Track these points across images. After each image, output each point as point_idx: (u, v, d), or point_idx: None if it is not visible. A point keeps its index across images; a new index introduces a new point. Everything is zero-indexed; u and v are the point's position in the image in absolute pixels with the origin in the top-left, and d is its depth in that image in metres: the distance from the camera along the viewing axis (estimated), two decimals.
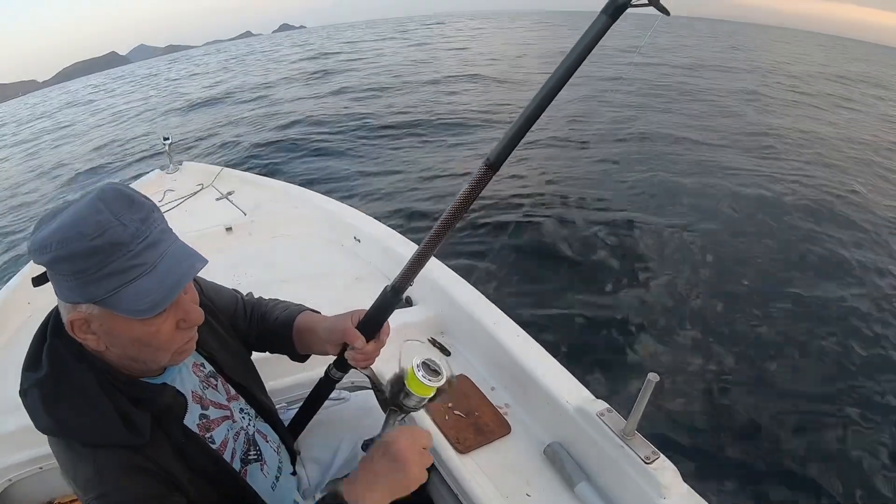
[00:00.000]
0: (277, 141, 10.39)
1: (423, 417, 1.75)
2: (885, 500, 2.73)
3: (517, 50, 27.75)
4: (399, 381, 1.13)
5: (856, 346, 3.89)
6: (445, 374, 1.11)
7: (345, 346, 1.27)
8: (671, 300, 4.39)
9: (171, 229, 0.94)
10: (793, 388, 3.46)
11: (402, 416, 1.17)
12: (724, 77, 18.16)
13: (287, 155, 9.44)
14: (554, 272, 4.84)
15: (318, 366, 1.49)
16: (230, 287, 1.48)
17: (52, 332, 0.95)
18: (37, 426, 0.93)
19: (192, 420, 1.09)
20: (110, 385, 0.95)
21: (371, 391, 1.83)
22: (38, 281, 0.94)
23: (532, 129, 1.01)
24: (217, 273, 1.95)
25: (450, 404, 1.79)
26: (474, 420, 1.74)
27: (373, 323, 1.25)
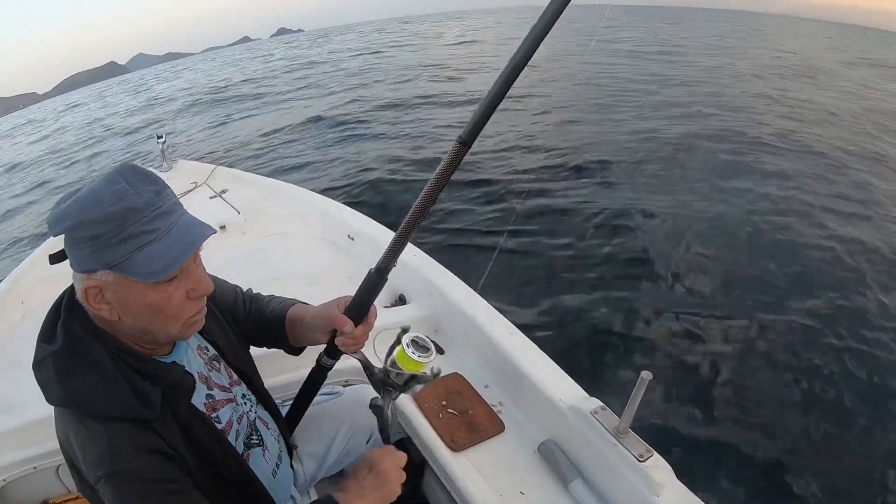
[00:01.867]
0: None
1: (416, 416, 1.75)
2: (879, 496, 2.74)
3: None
4: (390, 361, 1.21)
5: (855, 344, 3.91)
6: (434, 350, 1.19)
7: (334, 334, 1.30)
8: (665, 297, 4.41)
9: (181, 203, 0.98)
10: (788, 386, 3.48)
11: (396, 394, 1.25)
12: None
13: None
14: (548, 270, 4.84)
15: (312, 363, 1.49)
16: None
17: (66, 308, 0.98)
18: (48, 399, 0.95)
19: (199, 400, 1.12)
20: (122, 360, 0.98)
21: (365, 386, 1.84)
22: (56, 258, 0.97)
23: (501, 107, 1.05)
24: (210, 271, 1.94)
25: (444, 402, 1.79)
26: (468, 418, 1.74)
27: (359, 307, 1.28)
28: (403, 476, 1.18)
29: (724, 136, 9.30)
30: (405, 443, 1.89)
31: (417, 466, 1.95)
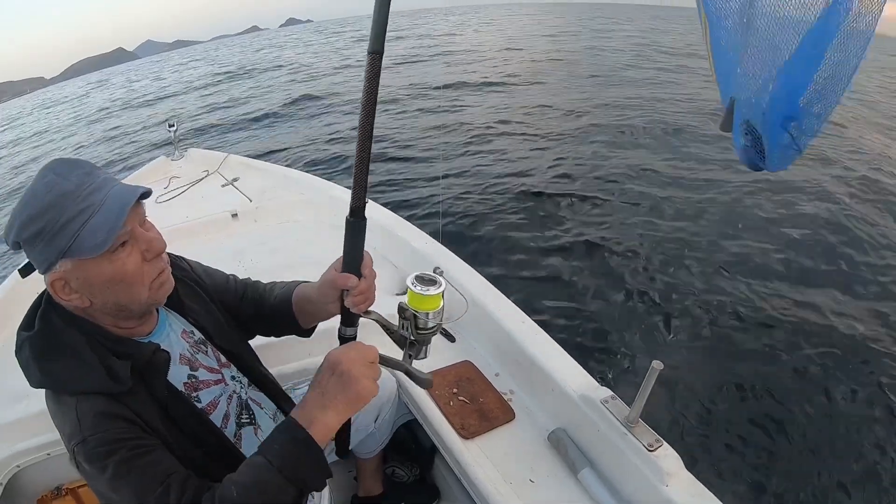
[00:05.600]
0: None
1: (427, 402, 1.76)
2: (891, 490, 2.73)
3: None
4: (404, 310, 1.13)
5: (870, 335, 3.88)
6: (444, 282, 1.13)
7: (342, 300, 1.20)
8: (678, 288, 4.38)
9: (113, 177, 1.02)
10: (801, 377, 3.46)
11: (423, 347, 1.18)
12: None
13: None
14: (560, 259, 4.83)
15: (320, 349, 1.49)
16: (234, 272, 1.53)
17: (46, 300, 1.04)
18: (30, 382, 1.00)
19: (178, 379, 1.16)
20: (97, 342, 1.03)
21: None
22: (25, 271, 1.04)
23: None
24: (223, 259, 1.96)
25: (454, 390, 1.80)
26: (479, 406, 1.75)
27: (352, 259, 1.17)
28: (375, 371, 1.05)
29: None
30: (414, 427, 1.91)
31: (427, 452, 1.96)
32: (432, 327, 1.15)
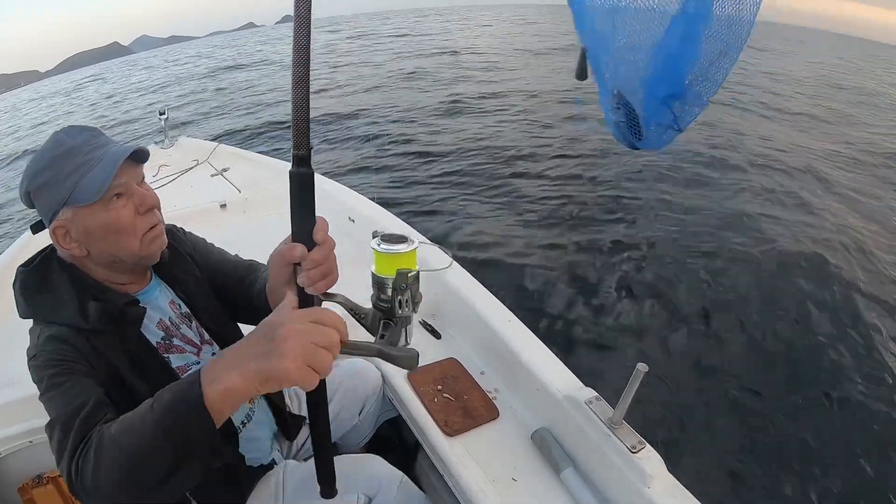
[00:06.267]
0: None
1: (411, 399, 1.76)
2: (873, 492, 2.76)
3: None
4: (373, 281, 0.95)
5: (851, 337, 3.92)
6: (416, 239, 0.96)
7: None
8: (664, 291, 4.40)
9: (117, 142, 1.12)
10: (783, 381, 3.48)
11: (403, 326, 0.98)
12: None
13: None
14: (546, 259, 4.84)
15: None
16: None
17: (50, 248, 1.15)
18: (20, 313, 1.12)
19: (152, 337, 1.21)
20: (82, 285, 1.13)
21: (352, 360, 1.84)
22: (37, 227, 1.14)
23: None
24: None
25: (439, 387, 1.80)
26: (463, 403, 1.75)
27: (301, 223, 0.92)
28: (321, 359, 0.79)
29: None
30: (398, 423, 1.91)
31: (411, 448, 1.96)
32: (406, 300, 0.94)
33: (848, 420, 3.18)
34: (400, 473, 1.51)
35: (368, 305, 1.00)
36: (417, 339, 2.06)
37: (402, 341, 0.97)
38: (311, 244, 0.92)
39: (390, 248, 0.92)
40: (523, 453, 1.61)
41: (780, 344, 3.82)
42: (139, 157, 1.13)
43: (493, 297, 2.04)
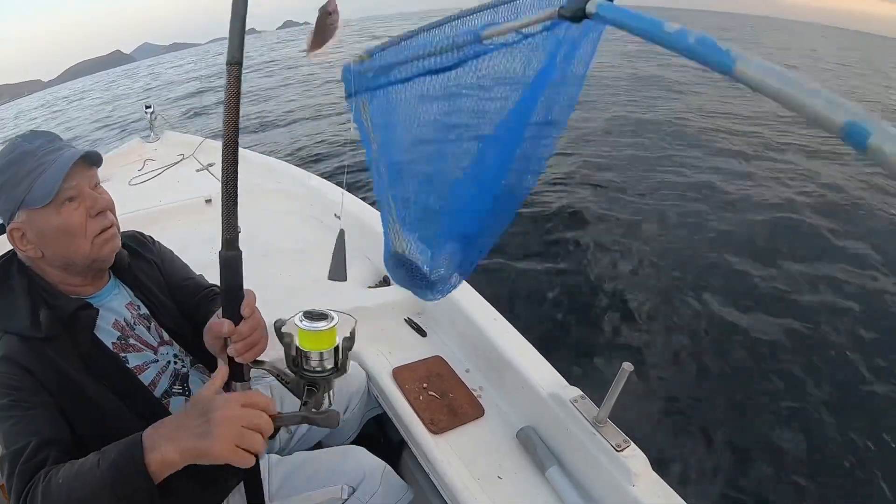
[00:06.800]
0: None
1: (397, 396, 1.76)
2: (856, 490, 2.79)
3: None
4: (294, 351, 1.02)
5: (836, 334, 3.97)
6: (336, 315, 1.01)
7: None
8: (650, 290, 4.42)
9: (72, 145, 1.14)
10: (771, 381, 3.51)
11: (325, 392, 1.06)
12: None
13: None
14: (531, 258, 4.84)
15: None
16: (206, 259, 1.49)
17: (12, 252, 1.18)
18: None
19: (107, 338, 1.20)
20: (37, 292, 1.14)
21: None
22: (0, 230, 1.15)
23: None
24: (195, 245, 1.93)
25: (424, 385, 1.80)
26: (448, 401, 1.75)
27: (229, 300, 1.03)
28: (250, 440, 0.90)
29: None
30: (383, 420, 1.90)
31: (396, 446, 1.96)
32: (329, 369, 1.04)
33: (834, 420, 3.21)
34: (383, 463, 1.51)
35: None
36: (403, 336, 2.06)
37: (325, 403, 1.06)
38: (238, 318, 1.04)
39: (312, 325, 1.00)
40: (508, 451, 1.62)
41: (766, 343, 3.85)
42: (91, 159, 1.14)
43: (479, 295, 2.04)
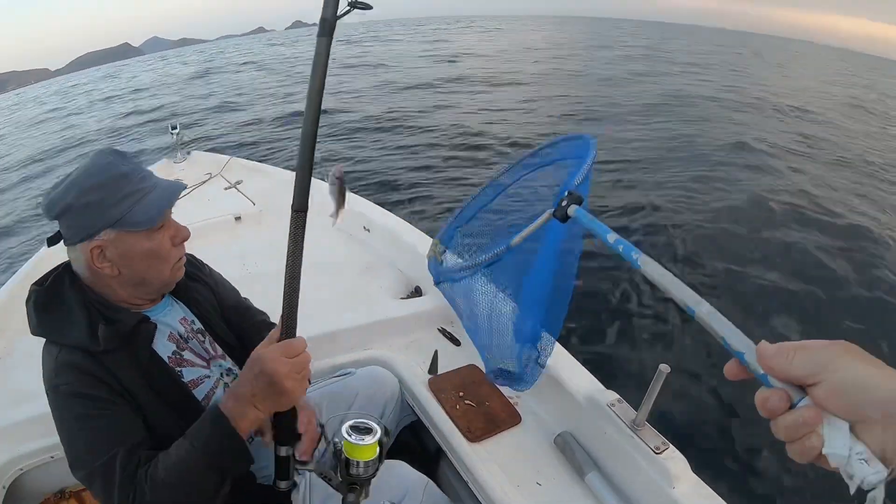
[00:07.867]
0: None
1: (433, 405, 1.77)
2: None
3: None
4: (341, 457, 1.12)
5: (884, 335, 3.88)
6: (378, 427, 1.12)
7: (286, 424, 1.19)
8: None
9: (154, 174, 1.21)
10: None
11: (363, 489, 1.16)
12: None
13: None
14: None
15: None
16: (238, 276, 1.63)
17: (64, 267, 1.20)
18: (31, 329, 1.15)
19: (163, 352, 1.25)
20: (93, 307, 1.17)
21: (375, 368, 1.84)
22: (52, 241, 1.16)
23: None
24: (226, 262, 1.96)
25: (460, 393, 1.81)
26: (485, 409, 1.75)
27: (286, 423, 1.17)
28: (300, 368, 1.09)
29: None
30: (418, 429, 1.91)
31: (433, 454, 1.96)
32: (372, 473, 1.15)
33: None
34: (425, 478, 1.52)
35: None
36: (438, 346, 2.07)
37: (363, 496, 1.16)
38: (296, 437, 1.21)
39: (359, 439, 1.09)
40: (546, 457, 1.62)
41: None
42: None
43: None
